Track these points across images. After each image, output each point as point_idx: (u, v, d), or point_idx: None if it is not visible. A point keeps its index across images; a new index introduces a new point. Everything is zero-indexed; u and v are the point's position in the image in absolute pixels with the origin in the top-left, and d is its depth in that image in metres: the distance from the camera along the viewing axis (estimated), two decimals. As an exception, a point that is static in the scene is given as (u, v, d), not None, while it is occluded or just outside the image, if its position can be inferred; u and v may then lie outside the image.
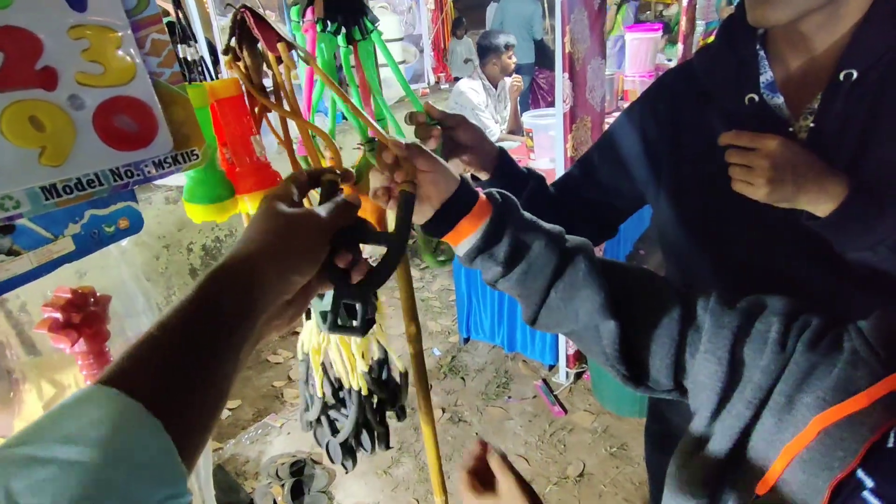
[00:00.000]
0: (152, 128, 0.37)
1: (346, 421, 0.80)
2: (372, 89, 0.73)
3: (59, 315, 0.57)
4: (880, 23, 0.62)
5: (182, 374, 0.31)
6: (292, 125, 0.60)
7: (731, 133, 0.66)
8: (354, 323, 0.43)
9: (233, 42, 0.48)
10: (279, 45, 0.49)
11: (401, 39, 3.96)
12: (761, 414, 0.48)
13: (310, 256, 0.39)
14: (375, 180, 0.50)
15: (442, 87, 4.48)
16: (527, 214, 0.55)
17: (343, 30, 0.61)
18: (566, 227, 0.89)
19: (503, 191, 0.55)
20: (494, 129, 3.15)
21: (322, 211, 0.41)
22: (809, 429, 0.44)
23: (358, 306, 0.42)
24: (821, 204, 0.63)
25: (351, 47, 0.64)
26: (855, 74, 0.62)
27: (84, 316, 0.58)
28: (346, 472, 0.78)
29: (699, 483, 0.56)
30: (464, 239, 0.52)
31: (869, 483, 0.40)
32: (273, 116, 0.63)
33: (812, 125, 0.67)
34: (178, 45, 0.51)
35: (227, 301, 0.34)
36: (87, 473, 0.24)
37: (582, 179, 0.94)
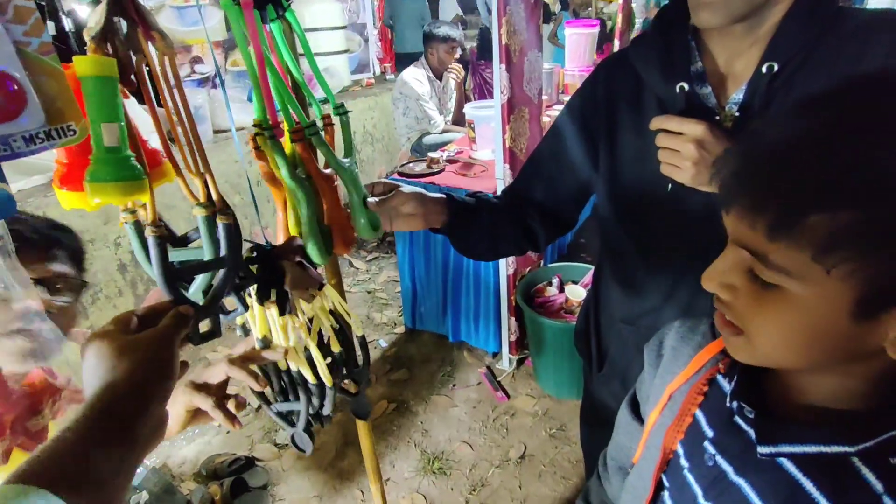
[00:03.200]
0: (19, 101, 0.35)
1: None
2: (292, 72, 0.71)
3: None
4: (800, 20, 0.66)
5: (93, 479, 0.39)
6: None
7: (661, 117, 0.69)
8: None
9: (104, 24, 0.45)
10: (154, 33, 0.47)
11: (344, 28, 3.88)
12: (645, 401, 0.54)
13: (169, 370, 0.47)
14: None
15: (388, 77, 4.43)
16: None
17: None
18: (524, 230, 0.93)
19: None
20: (438, 121, 3.15)
21: (164, 324, 0.49)
22: (663, 397, 0.49)
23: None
24: None
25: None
26: (776, 67, 0.67)
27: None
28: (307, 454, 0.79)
29: (603, 460, 0.64)
30: None
31: (710, 434, 0.45)
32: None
33: (737, 114, 0.71)
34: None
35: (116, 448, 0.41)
36: None
37: (532, 176, 0.97)
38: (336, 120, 0.68)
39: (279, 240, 0.65)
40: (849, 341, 0.36)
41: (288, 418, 0.76)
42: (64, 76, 0.37)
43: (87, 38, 0.46)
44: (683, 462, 0.47)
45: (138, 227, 0.51)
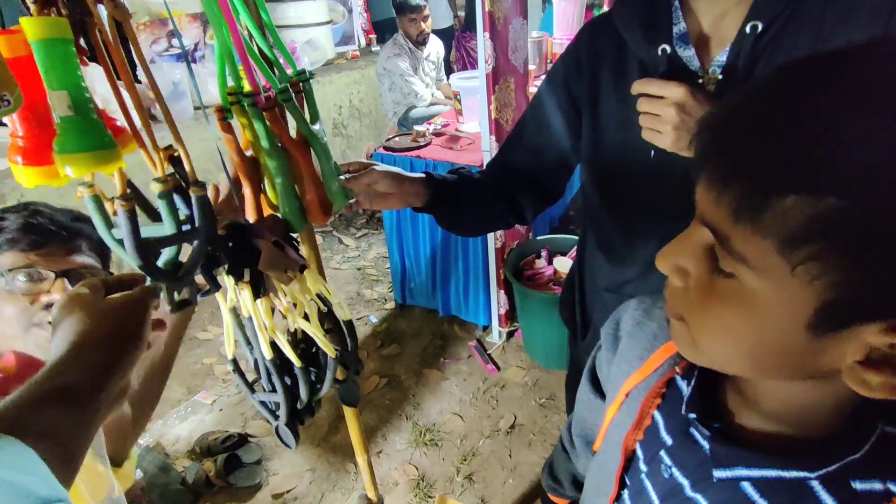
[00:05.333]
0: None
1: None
2: (255, 35, 0.68)
3: None
4: None
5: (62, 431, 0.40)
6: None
7: (641, 81, 0.68)
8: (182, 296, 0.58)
9: None
10: None
11: (326, -2, 3.76)
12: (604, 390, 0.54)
13: (138, 339, 0.48)
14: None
15: (373, 49, 4.32)
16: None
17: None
18: (509, 204, 0.92)
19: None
20: (425, 94, 3.10)
21: (135, 293, 0.50)
22: (620, 393, 0.48)
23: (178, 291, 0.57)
24: None
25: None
26: (760, 26, 0.65)
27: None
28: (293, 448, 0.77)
29: (570, 432, 0.64)
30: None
31: (668, 442, 0.44)
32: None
33: (720, 77, 0.69)
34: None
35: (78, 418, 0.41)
36: None
37: (515, 146, 0.95)
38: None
39: (249, 218, 0.64)
40: (800, 356, 0.32)
41: (272, 411, 0.74)
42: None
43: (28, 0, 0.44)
44: (642, 466, 0.46)
45: (98, 200, 0.50)
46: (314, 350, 0.73)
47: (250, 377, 0.75)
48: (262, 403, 0.74)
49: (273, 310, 0.67)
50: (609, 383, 0.54)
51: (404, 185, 0.82)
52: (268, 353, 0.66)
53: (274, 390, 0.71)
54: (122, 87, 0.49)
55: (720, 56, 0.70)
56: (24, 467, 0.35)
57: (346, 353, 0.74)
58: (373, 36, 4.42)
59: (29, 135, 0.50)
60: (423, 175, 0.85)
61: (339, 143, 3.75)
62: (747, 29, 0.65)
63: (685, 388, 0.44)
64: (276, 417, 0.73)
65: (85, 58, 0.50)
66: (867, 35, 0.59)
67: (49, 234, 0.73)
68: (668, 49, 0.71)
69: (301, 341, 0.72)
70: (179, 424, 2.03)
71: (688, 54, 0.71)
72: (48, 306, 0.72)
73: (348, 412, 0.99)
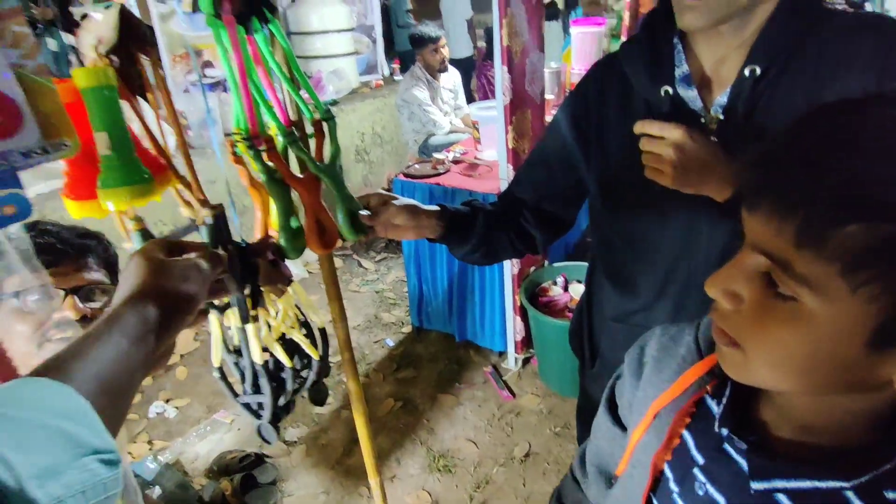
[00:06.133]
0: (16, 118, 0.38)
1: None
2: (282, 79, 0.74)
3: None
4: (782, 22, 0.67)
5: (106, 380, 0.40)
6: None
7: (642, 122, 0.70)
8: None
9: (116, 40, 0.48)
10: (149, 48, 0.50)
11: (352, 30, 3.92)
12: (629, 409, 0.55)
13: (194, 301, 0.48)
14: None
15: (396, 78, 4.46)
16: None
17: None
18: (520, 234, 0.95)
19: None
20: (443, 123, 3.17)
21: (202, 262, 0.51)
22: (648, 414, 0.49)
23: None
24: (723, 191, 0.68)
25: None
26: (758, 70, 0.67)
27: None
28: (271, 444, 0.82)
29: (581, 462, 0.64)
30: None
31: (700, 460, 0.45)
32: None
33: (721, 118, 0.72)
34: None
35: (140, 342, 0.42)
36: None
37: (527, 177, 0.99)
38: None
39: (257, 237, 0.69)
40: (856, 370, 0.34)
41: (255, 411, 0.79)
42: (57, 94, 0.40)
43: (93, 52, 0.49)
44: (673, 486, 0.46)
45: (147, 235, 0.55)
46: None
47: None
48: (245, 405, 0.79)
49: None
50: (633, 407, 0.54)
51: (420, 219, 0.85)
52: (259, 359, 0.71)
53: (256, 392, 0.75)
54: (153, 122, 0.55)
55: (721, 97, 0.72)
56: (76, 416, 0.34)
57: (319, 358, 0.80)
58: (397, 65, 4.57)
59: (76, 173, 0.56)
60: (438, 208, 0.89)
61: (361, 169, 3.85)
62: (746, 72, 0.68)
63: (715, 406, 0.45)
64: (259, 417, 0.78)
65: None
66: (863, 79, 0.62)
67: (57, 253, 0.75)
68: (671, 90, 0.74)
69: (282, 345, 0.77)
70: (199, 443, 2.07)
71: (690, 95, 0.74)
72: (60, 324, 0.75)
73: (362, 434, 1.01)
